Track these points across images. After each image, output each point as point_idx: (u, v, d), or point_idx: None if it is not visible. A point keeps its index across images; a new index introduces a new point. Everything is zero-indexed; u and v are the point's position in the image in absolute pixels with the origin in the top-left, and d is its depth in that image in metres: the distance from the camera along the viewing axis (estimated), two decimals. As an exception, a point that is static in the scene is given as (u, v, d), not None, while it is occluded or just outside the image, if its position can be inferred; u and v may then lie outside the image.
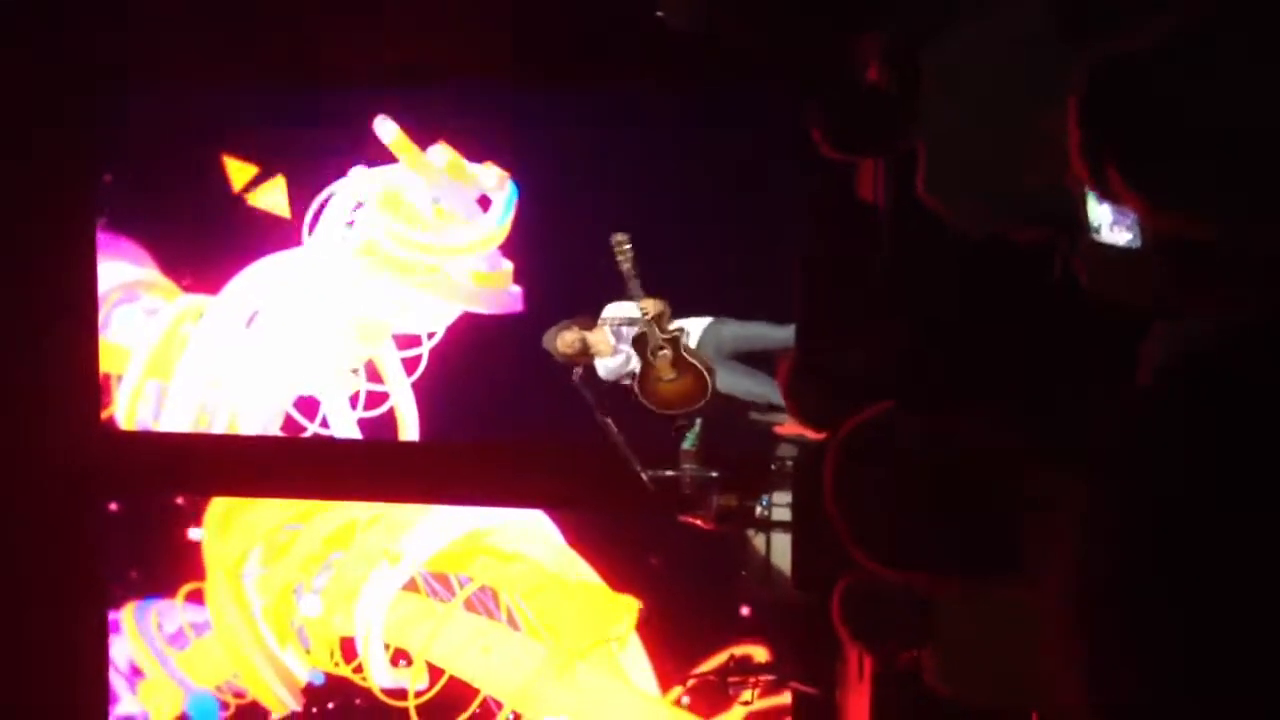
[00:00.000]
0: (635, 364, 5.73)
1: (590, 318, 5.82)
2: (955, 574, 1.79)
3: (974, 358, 2.97)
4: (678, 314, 5.70)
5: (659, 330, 5.61)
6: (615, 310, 5.81)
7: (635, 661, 6.34)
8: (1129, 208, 1.59)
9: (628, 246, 5.52)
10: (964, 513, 1.71)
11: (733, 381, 5.71)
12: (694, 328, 5.76)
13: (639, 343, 5.69)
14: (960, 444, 1.75)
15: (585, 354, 5.77)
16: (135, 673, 6.73)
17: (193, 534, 6.66)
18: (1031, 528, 1.66)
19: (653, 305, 5.61)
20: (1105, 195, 1.60)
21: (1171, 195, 1.53)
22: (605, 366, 5.79)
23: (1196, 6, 1.53)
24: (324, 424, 6.46)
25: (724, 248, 5.90)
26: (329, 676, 6.61)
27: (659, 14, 4.61)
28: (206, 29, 6.06)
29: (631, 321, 5.72)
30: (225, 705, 6.69)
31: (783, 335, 5.58)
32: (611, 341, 5.78)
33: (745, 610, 6.09)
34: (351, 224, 6.33)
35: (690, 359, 5.63)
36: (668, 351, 5.61)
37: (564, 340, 5.75)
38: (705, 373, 5.60)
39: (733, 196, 5.92)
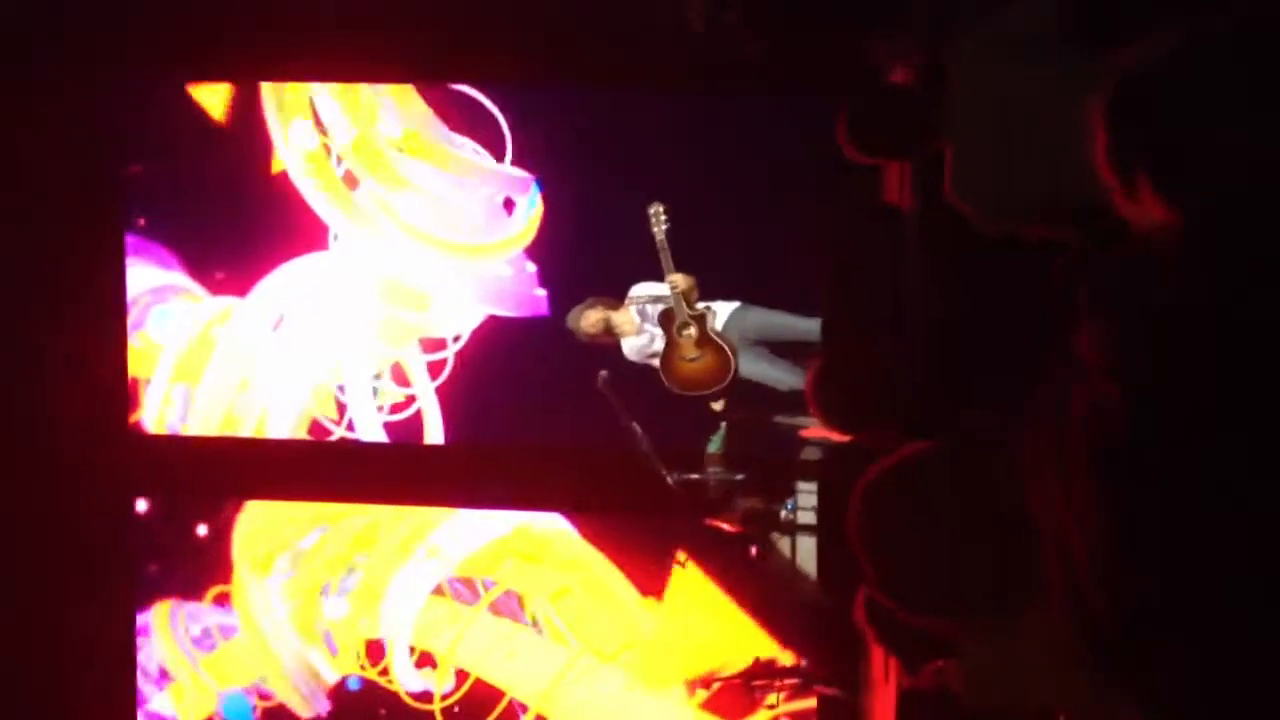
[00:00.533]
0: (660, 344, 5.72)
1: (615, 298, 5.81)
2: (989, 615, 1.76)
3: (1000, 361, 2.96)
4: (705, 297, 5.69)
5: (686, 307, 5.59)
6: (642, 289, 5.81)
7: (660, 664, 6.33)
8: (1156, 216, 1.57)
9: (664, 216, 5.53)
10: (995, 555, 1.69)
11: (756, 368, 5.70)
12: (720, 311, 5.75)
13: (664, 320, 5.68)
14: (988, 483, 1.72)
15: (609, 334, 5.77)
16: (164, 675, 6.76)
17: (220, 537, 6.69)
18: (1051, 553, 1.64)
19: (682, 280, 5.60)
20: (1132, 202, 1.58)
21: (1205, 205, 1.51)
22: (630, 346, 5.78)
23: (1225, 12, 1.51)
24: (350, 427, 6.48)
25: (752, 237, 5.86)
26: (353, 680, 6.62)
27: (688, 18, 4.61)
28: (227, 31, 6.09)
29: (657, 299, 5.72)
30: (256, 706, 6.71)
31: (807, 326, 5.56)
32: (637, 321, 5.77)
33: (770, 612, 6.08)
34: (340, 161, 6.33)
35: (715, 338, 5.62)
36: (693, 330, 5.60)
37: (588, 319, 5.75)
38: (729, 353, 5.59)
39: (763, 187, 5.89)
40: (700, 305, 5.65)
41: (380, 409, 6.43)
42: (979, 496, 1.67)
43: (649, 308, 5.75)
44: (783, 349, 5.71)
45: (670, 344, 5.64)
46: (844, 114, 3.19)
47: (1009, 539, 1.64)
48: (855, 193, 4.56)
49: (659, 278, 5.68)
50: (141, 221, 6.52)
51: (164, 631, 6.72)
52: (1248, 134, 1.46)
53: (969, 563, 1.67)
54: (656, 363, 5.73)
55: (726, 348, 5.60)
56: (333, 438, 6.49)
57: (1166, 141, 1.51)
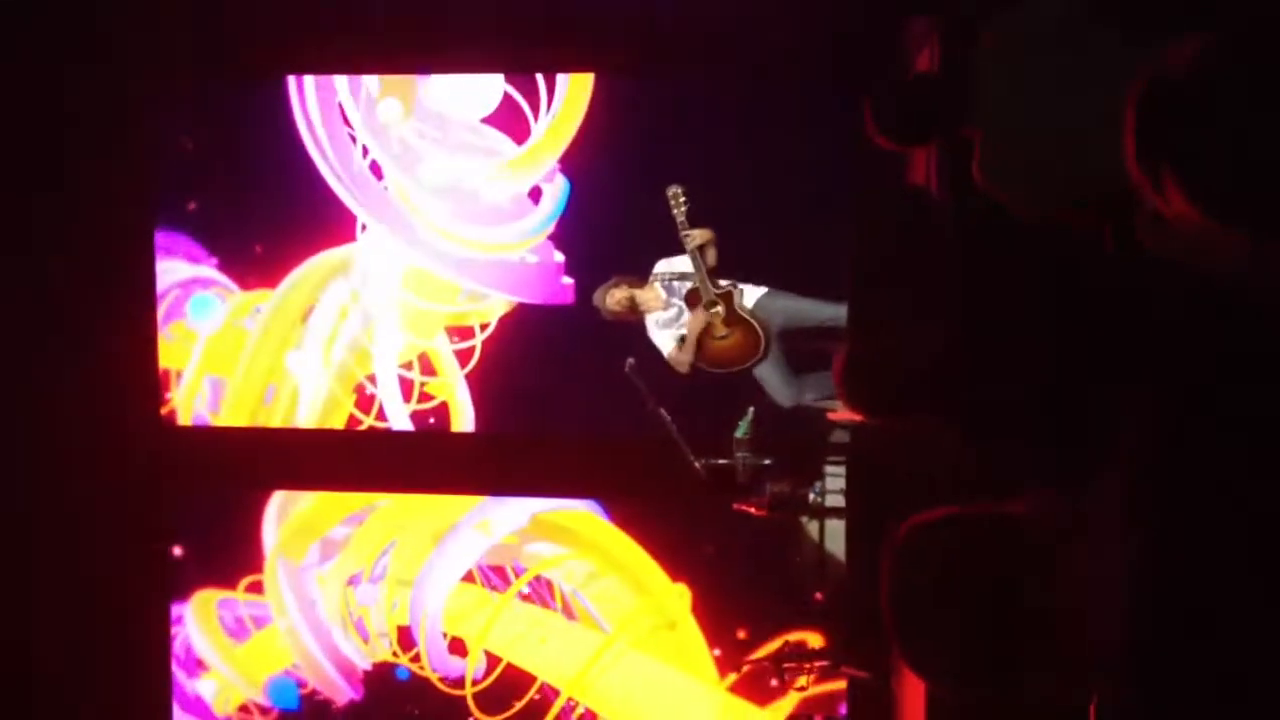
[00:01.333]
0: (686, 318, 5.74)
1: (640, 276, 5.84)
2: (1001, 688, 1.75)
3: (1027, 347, 2.97)
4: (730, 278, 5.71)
5: (711, 286, 5.62)
6: (666, 265, 5.84)
7: (690, 648, 6.37)
8: (1181, 213, 1.59)
9: (683, 198, 5.56)
10: (1021, 636, 1.67)
11: (765, 371, 5.73)
12: (748, 296, 5.77)
13: (691, 298, 5.70)
14: (1018, 556, 1.70)
15: (634, 311, 5.80)
16: (198, 664, 6.83)
17: (251, 526, 6.75)
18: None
19: (700, 234, 5.62)
20: (1163, 205, 1.60)
21: (1237, 212, 1.53)
22: (657, 319, 5.81)
23: (1259, 14, 1.52)
24: (380, 416, 6.53)
25: (778, 224, 5.86)
26: (386, 667, 6.67)
27: None
28: (255, 25, 6.13)
29: (683, 276, 5.74)
30: (302, 691, 6.77)
31: (834, 312, 5.58)
32: (663, 296, 5.80)
33: (799, 597, 6.10)
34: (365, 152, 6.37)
35: (743, 315, 5.63)
36: (720, 308, 5.62)
37: (613, 297, 5.79)
38: (759, 330, 5.60)
39: (788, 173, 5.88)
40: (724, 283, 5.67)
41: (425, 398, 6.48)
42: (1015, 577, 1.64)
43: (675, 284, 5.79)
44: (809, 336, 5.74)
45: (697, 322, 5.67)
46: (869, 102, 3.21)
47: (1035, 621, 1.62)
48: (882, 178, 4.58)
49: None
50: (192, 206, 6.56)
51: (198, 620, 6.80)
52: (1273, 134, 1.48)
53: (992, 640, 1.65)
54: (675, 343, 5.76)
55: (756, 325, 5.61)
56: (362, 427, 6.54)
57: (1192, 142, 1.52)
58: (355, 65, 6.32)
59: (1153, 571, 1.46)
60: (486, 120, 6.29)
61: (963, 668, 1.68)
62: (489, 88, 6.25)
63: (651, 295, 5.79)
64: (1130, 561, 1.49)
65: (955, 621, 1.66)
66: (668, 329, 5.82)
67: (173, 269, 6.59)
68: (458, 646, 6.61)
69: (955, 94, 2.96)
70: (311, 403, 6.58)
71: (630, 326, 5.86)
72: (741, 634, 6.27)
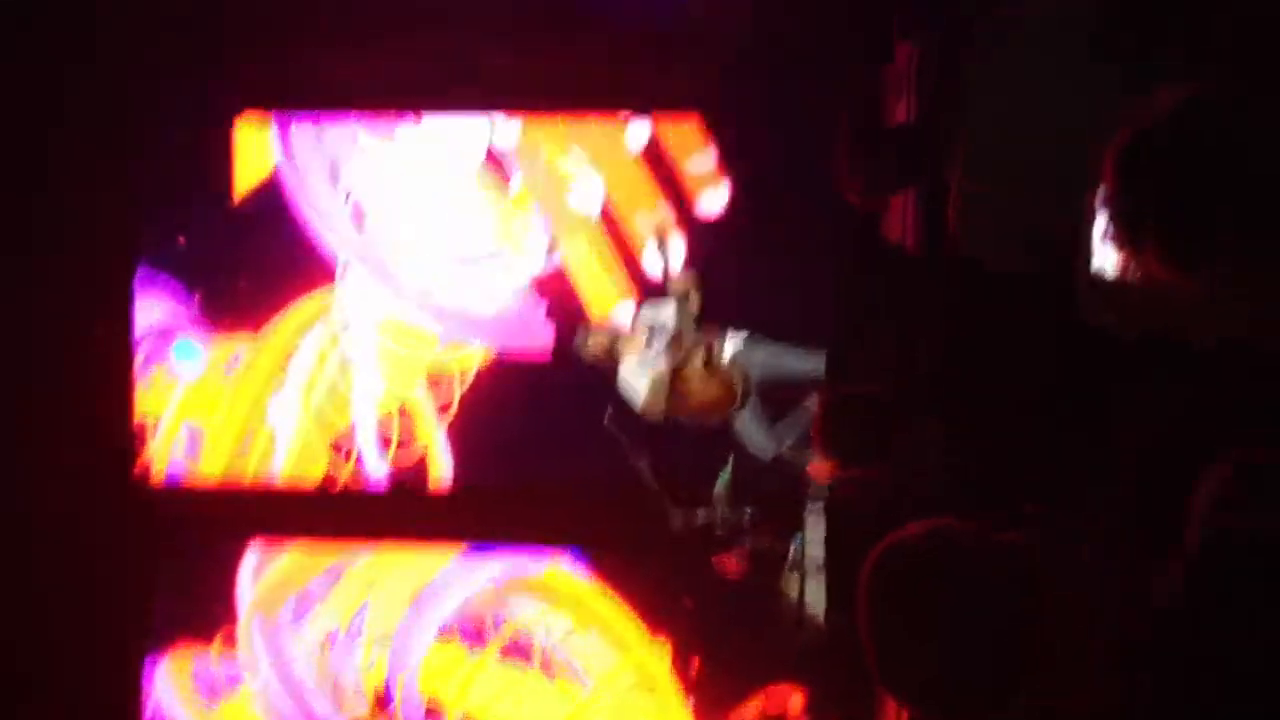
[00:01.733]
0: (664, 363, 5.73)
1: (622, 321, 5.86)
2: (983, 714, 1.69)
3: (1003, 392, 2.97)
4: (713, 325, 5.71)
5: (691, 321, 5.63)
6: (647, 311, 5.85)
7: (670, 706, 6.31)
8: (1161, 275, 1.58)
9: (667, 235, 5.59)
10: (999, 665, 1.62)
11: (743, 425, 5.72)
12: (729, 345, 5.77)
13: (671, 347, 5.70)
14: (990, 577, 1.65)
15: (613, 356, 5.81)
16: (172, 721, 6.74)
17: (227, 582, 6.67)
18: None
19: (682, 281, 5.65)
20: (1141, 264, 1.59)
21: (1222, 273, 1.52)
22: (634, 361, 5.80)
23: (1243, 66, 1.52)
24: (359, 463, 6.49)
25: (760, 271, 5.87)
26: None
27: None
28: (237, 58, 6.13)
29: (664, 327, 5.75)
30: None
31: (813, 364, 5.58)
32: (643, 341, 5.81)
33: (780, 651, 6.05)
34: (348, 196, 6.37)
35: (722, 367, 5.63)
36: (698, 360, 5.63)
37: (595, 341, 5.80)
38: (736, 382, 5.60)
39: (772, 219, 5.89)
40: (708, 337, 5.68)
41: (404, 444, 6.44)
42: (997, 588, 1.61)
43: (656, 329, 5.79)
44: (784, 389, 5.74)
45: (676, 372, 5.66)
46: (837, 158, 3.19)
47: (1017, 648, 1.58)
48: (862, 232, 4.59)
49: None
50: (175, 249, 6.52)
51: (170, 679, 6.70)
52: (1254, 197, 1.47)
53: (969, 669, 1.61)
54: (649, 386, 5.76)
55: (734, 377, 5.61)
56: (341, 477, 6.49)
57: (1176, 208, 1.51)
58: (342, 107, 6.32)
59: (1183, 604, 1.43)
60: (472, 168, 6.30)
61: (936, 683, 1.62)
62: (475, 134, 6.26)
63: (632, 341, 5.79)
64: (1167, 593, 1.46)
65: (929, 631, 1.61)
66: (643, 367, 5.80)
67: (154, 313, 6.54)
68: (435, 707, 6.52)
69: (927, 147, 2.96)
70: (289, 450, 6.53)
71: (610, 374, 5.85)
72: (722, 690, 6.20)
